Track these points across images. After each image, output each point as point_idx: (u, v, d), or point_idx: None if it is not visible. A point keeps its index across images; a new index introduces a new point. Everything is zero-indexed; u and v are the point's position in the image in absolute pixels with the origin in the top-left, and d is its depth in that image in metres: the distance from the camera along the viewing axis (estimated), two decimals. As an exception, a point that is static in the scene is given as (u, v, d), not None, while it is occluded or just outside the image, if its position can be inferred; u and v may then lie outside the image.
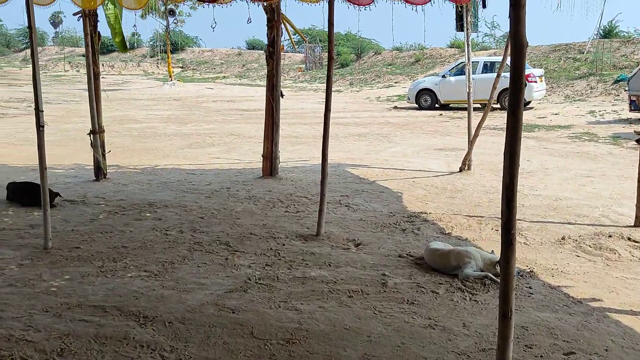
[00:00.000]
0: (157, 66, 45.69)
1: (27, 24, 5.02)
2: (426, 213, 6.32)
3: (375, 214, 6.30)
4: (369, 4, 6.02)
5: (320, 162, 5.56)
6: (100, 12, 7.80)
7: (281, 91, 8.16)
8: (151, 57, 49.15)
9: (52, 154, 10.28)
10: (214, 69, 45.56)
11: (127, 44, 8.92)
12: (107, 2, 7.51)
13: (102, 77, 28.06)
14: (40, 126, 4.96)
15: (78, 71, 42.10)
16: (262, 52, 52.98)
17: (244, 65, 45.03)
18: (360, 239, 5.35)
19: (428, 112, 18.43)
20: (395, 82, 29.95)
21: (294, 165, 9.29)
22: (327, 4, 5.44)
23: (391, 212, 6.34)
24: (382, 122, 15.84)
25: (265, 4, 7.76)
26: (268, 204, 6.67)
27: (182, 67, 46.40)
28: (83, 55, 8.03)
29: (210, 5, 7.07)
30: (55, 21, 69.93)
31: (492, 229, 5.74)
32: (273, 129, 8.14)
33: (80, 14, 7.50)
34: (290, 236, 5.40)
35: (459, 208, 6.59)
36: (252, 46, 55.60)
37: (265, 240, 5.28)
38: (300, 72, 39.30)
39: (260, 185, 7.74)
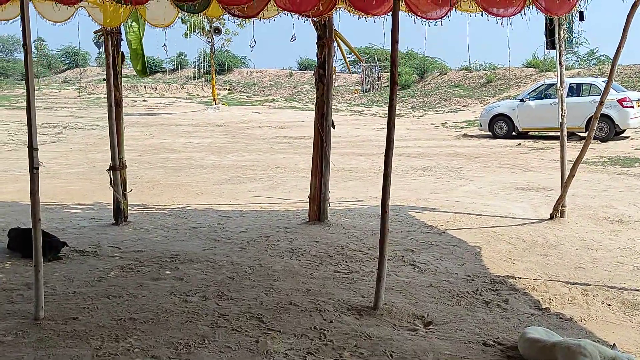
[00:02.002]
0: (202, 88, 46.21)
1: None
2: (514, 277, 5.43)
3: (449, 277, 5.45)
4: (441, 18, 5.28)
5: (380, 204, 4.77)
6: (122, 31, 7.38)
7: (332, 120, 7.47)
8: (196, 78, 49.85)
9: (74, 188, 9.96)
10: (263, 91, 45.73)
11: (147, 65, 8.45)
12: (130, 21, 7.07)
13: (144, 100, 28.60)
14: (34, 168, 4.40)
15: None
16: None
17: (294, 87, 45.02)
18: (431, 314, 4.51)
19: (504, 142, 17.42)
20: (464, 106, 29.00)
21: (347, 207, 8.54)
22: (390, 18, 4.72)
23: (469, 276, 5.48)
24: (449, 152, 14.95)
25: (314, 19, 7.13)
26: (314, 260, 5.93)
27: (228, 90, 46.82)
28: (103, 79, 7.58)
29: (250, 21, 6.50)
30: (99, 41, 72.45)
31: (602, 304, 4.80)
32: (322, 165, 7.44)
33: (101, 33, 7.07)
34: (341, 308, 4.62)
35: (555, 271, 5.66)
36: (304, 66, 55.76)
37: (308, 313, 4.51)
38: (356, 95, 38.84)
39: (306, 233, 7.02)
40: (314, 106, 7.73)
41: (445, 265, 5.80)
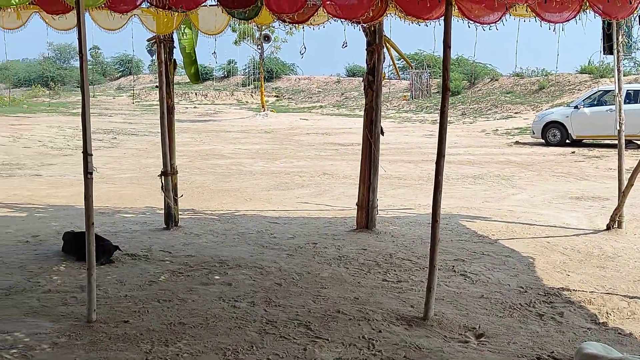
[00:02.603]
0: (252, 95, 46.68)
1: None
2: (569, 290, 5.26)
3: (501, 288, 5.31)
4: (495, 23, 5.17)
5: (429, 213, 4.69)
6: (174, 38, 7.50)
7: (381, 127, 7.41)
8: (245, 85, 50.42)
9: (126, 193, 10.16)
10: (311, 97, 45.89)
11: (200, 73, 8.57)
12: (183, 27, 7.18)
13: (195, 107, 29.06)
14: (88, 173, 4.49)
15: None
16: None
17: (342, 94, 45.02)
18: (483, 327, 4.40)
19: (557, 149, 17.00)
20: (515, 113, 28.46)
21: (395, 215, 8.45)
22: (441, 22, 4.65)
23: (522, 287, 5.33)
24: (501, 160, 14.67)
25: (364, 25, 7.10)
26: (362, 269, 5.87)
27: (277, 96, 47.17)
28: (155, 86, 7.71)
29: (300, 28, 6.51)
30: (152, 49, 74.26)
31: (665, 319, 4.60)
32: (370, 172, 7.38)
33: (154, 40, 7.20)
34: (389, 318, 4.55)
35: (612, 284, 5.46)
36: (352, 73, 55.73)
37: (357, 322, 4.46)
38: (405, 101, 38.58)
39: (354, 241, 6.97)
40: (361, 113, 7.70)
41: (497, 276, 5.66)
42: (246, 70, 52.93)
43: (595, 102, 17.58)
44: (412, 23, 6.55)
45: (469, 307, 4.83)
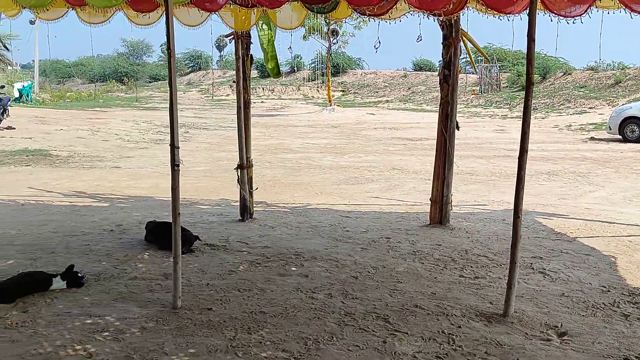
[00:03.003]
0: (318, 90, 46.92)
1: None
2: (656, 291, 5.08)
3: (582, 287, 5.19)
4: (580, 15, 5.04)
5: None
6: (252, 33, 7.64)
7: (457, 122, 7.33)
8: (311, 80, 50.72)
9: (201, 186, 10.43)
10: (377, 92, 45.73)
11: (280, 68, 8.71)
12: (261, 23, 7.31)
13: (262, 102, 29.53)
14: (175, 165, 4.66)
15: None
16: (430, 74, 52.32)
17: (409, 88, 44.67)
18: (565, 325, 4.32)
19: (635, 146, 16.36)
20: (590, 108, 27.52)
21: (469, 211, 8.35)
22: (522, 16, 4.57)
23: (604, 287, 5.19)
24: (576, 157, 14.24)
25: (442, 19, 7.04)
26: (437, 264, 5.85)
27: (342, 91, 47.22)
28: (233, 81, 7.87)
29: (376, 20, 6.51)
30: (220, 45, 75.70)
31: None
32: (445, 167, 7.32)
33: (232, 36, 7.36)
34: (468, 314, 4.53)
35: (702, 285, 5.24)
36: (419, 67, 55.19)
37: (435, 317, 4.46)
38: (473, 95, 37.93)
39: (428, 236, 6.94)
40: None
41: (578, 275, 5.53)
42: (312, 65, 53.23)
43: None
44: (489, 17, 6.46)
45: (549, 305, 4.74)
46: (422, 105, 37.33)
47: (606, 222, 7.62)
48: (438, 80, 7.44)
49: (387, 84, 48.17)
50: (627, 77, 30.95)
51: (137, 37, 72.58)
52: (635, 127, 17.28)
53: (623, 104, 25.89)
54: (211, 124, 23.99)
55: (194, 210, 8.34)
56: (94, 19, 6.92)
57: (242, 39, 7.34)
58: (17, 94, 31.45)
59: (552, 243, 6.66)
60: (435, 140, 7.50)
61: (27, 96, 31.69)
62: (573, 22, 5.06)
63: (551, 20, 5.14)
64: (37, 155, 14.29)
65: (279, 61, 8.51)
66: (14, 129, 18.35)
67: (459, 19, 6.99)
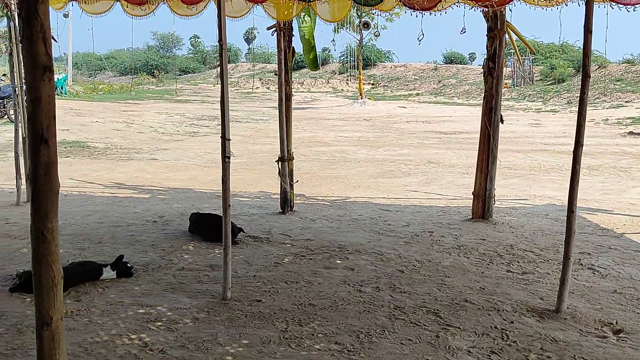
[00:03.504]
0: (347, 83, 46.86)
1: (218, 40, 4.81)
2: None
3: (634, 284, 5.10)
4: (637, 4, 4.93)
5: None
6: (293, 26, 7.64)
7: (501, 115, 7.25)
8: (341, 73, 50.62)
9: (238, 178, 10.48)
10: (407, 85, 45.51)
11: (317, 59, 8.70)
12: (303, 14, 7.30)
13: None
14: (226, 157, 4.68)
15: (268, 88, 44.76)
16: (461, 66, 51.89)
17: (439, 82, 44.35)
18: (620, 322, 4.25)
19: (677, 140, 16.01)
20: (626, 102, 27.00)
21: (510, 206, 8.26)
22: (583, 5, 4.49)
23: (657, 284, 5.10)
24: (616, 151, 13.99)
25: (486, 10, 6.96)
26: (483, 259, 5.80)
27: (372, 84, 47.09)
28: (275, 73, 7.89)
29: (421, 13, 6.46)
30: (249, 37, 76.00)
31: None
32: (489, 161, 7.25)
33: (274, 28, 7.37)
34: (520, 309, 4.48)
35: None
36: (449, 60, 54.81)
37: (486, 312, 4.42)
38: (506, 89, 37.47)
39: (471, 230, 6.88)
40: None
41: (628, 271, 5.44)
42: (342, 58, 53.09)
43: None
44: (535, 8, 6.37)
45: (602, 302, 4.67)
46: (454, 98, 37.05)
47: (654, 218, 7.47)
48: (482, 73, 7.34)
49: (417, 77, 47.89)
50: (665, 71, 30.27)
51: (166, 30, 73.13)
52: (677, 122, 16.89)
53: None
54: (243, 116, 24.10)
55: (234, 203, 8.36)
56: (137, 12, 7.00)
57: (285, 31, 7.34)
58: (52, 87, 31.96)
59: (600, 239, 6.55)
60: (479, 134, 7.42)
61: (62, 89, 32.17)
62: (634, 10, 4.95)
63: (612, 8, 5.03)
64: (75, 147, 14.52)
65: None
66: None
67: (504, 11, 6.90)
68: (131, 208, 7.87)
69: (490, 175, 7.26)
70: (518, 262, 5.72)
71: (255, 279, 5.15)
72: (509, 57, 44.15)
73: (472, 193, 7.46)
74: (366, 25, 30.85)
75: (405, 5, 5.69)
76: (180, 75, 61.38)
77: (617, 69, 34.06)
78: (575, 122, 4.49)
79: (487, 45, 7.17)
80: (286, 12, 7.05)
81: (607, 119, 22.29)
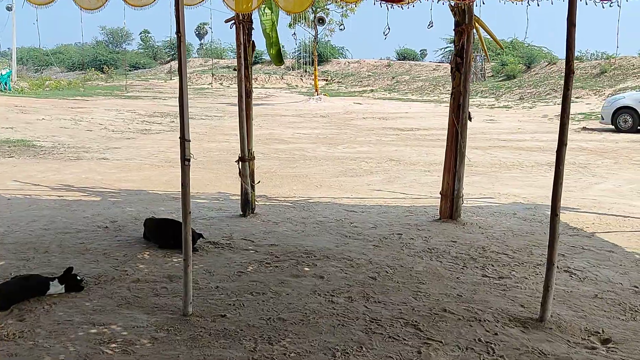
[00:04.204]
0: (301, 79, 46.52)
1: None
2: (691, 291, 4.83)
3: (614, 287, 4.92)
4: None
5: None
6: (254, 19, 7.24)
7: (469, 113, 7.02)
8: (295, 69, 50.18)
9: (195, 178, 9.87)
10: (361, 81, 45.43)
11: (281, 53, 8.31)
12: (263, 6, 6.91)
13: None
14: (185, 160, 4.27)
15: (221, 84, 44.02)
16: (414, 63, 52.07)
17: (393, 78, 44.43)
18: (607, 331, 4.04)
19: (629, 136, 16.23)
20: (577, 98, 27.40)
21: (476, 205, 8.07)
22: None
23: (636, 286, 4.93)
24: (573, 147, 13.99)
25: (452, 4, 6.71)
26: (456, 262, 5.54)
27: (326, 80, 46.82)
28: (228, 67, 7.48)
29: (393, 6, 6.14)
30: (201, 32, 74.66)
31: None
32: (457, 160, 7.02)
33: (233, 21, 6.95)
34: (502, 319, 4.22)
35: None
36: (402, 56, 55.02)
37: (467, 323, 4.15)
38: (458, 85, 37.70)
39: (440, 232, 6.64)
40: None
41: (605, 274, 5.26)
42: (295, 54, 52.65)
43: (671, 87, 16.70)
44: (508, 3, 6.14)
45: (584, 309, 4.46)
46: (408, 94, 37.13)
47: (621, 216, 7.38)
48: (450, 69, 7.10)
49: (370, 74, 47.88)
50: (613, 67, 30.96)
51: (116, 25, 71.32)
52: (628, 117, 17.16)
53: (610, 94, 25.87)
54: (196, 113, 23.45)
55: (192, 205, 7.91)
56: (86, 3, 6.47)
57: (244, 24, 6.94)
58: (-6, 83, 30.66)
59: (571, 239, 6.39)
60: (437, 131, 7.18)
61: (6, 85, 30.83)
62: (610, 6, 4.75)
63: (592, 4, 4.79)
64: (19, 145, 13.74)
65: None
66: (-7, 118, 17.73)
67: (472, 5, 6.66)
68: (80, 212, 7.33)
69: (458, 175, 7.03)
70: (492, 265, 5.48)
71: (218, 291, 4.75)
72: (475, 53, 44.56)
73: (440, 193, 7.22)
74: (321, 21, 30.50)
75: (375, -2, 5.35)
76: (130, 70, 59.84)
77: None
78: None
79: (454, 40, 6.94)
80: (245, 6, 6.64)
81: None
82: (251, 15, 6.95)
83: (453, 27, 6.89)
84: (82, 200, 8.14)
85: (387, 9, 6.38)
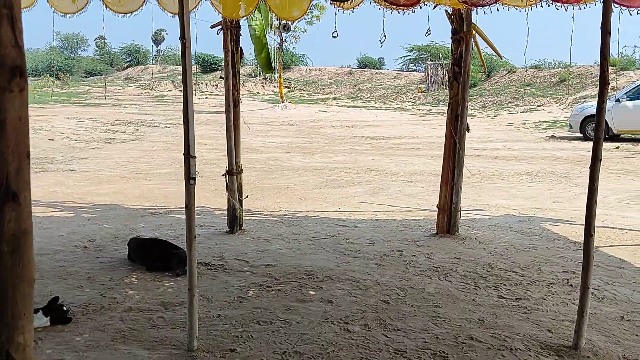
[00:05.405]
0: (263, 86, 45.95)
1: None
2: None
3: (636, 307, 4.69)
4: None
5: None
6: (242, 23, 6.84)
7: (467, 124, 6.76)
8: (255, 76, 49.60)
9: (170, 191, 9.51)
10: (323, 89, 45.16)
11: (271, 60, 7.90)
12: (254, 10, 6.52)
13: (206, 98, 28.11)
14: (191, 178, 3.85)
15: (181, 91, 43.12)
16: (375, 71, 52.14)
17: (355, 85, 44.32)
18: (646, 359, 3.78)
19: (598, 144, 16.31)
20: (538, 106, 27.78)
21: (469, 217, 7.81)
22: (600, 5, 4.01)
23: (659, 306, 4.71)
24: (547, 156, 14.02)
25: (449, 11, 6.46)
26: (466, 282, 5.24)
27: (288, 87, 46.37)
28: (220, 77, 7.06)
29: (386, 11, 5.84)
30: (157, 39, 73.37)
31: None
32: (454, 172, 6.75)
33: (220, 27, 6.54)
34: (533, 347, 3.93)
35: None
36: (363, 64, 55.06)
37: (499, 353, 3.83)
38: (420, 94, 37.88)
39: (441, 247, 6.34)
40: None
41: (623, 292, 5.04)
42: (255, 61, 52.08)
43: (638, 96, 16.91)
44: (509, 9, 5.94)
45: (615, 333, 4.21)
46: (371, 102, 37.04)
47: (618, 228, 7.22)
48: (447, 78, 6.83)
49: (332, 81, 47.67)
50: (572, 76, 31.47)
51: (70, 30, 69.52)
52: (596, 126, 17.26)
53: (572, 103, 26.25)
54: (160, 121, 22.80)
55: (172, 221, 7.47)
56: (68, 9, 6.00)
57: (232, 30, 6.53)
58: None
59: (575, 254, 6.16)
60: (444, 143, 6.92)
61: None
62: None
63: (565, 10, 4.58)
64: (-24, 156, 12.92)
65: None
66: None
67: (471, 13, 6.42)
68: (54, 231, 6.78)
69: (457, 188, 6.76)
70: (504, 285, 5.20)
71: (221, 320, 4.33)
72: (421, 63, 44.97)
73: (437, 206, 6.94)
74: (286, 28, 30.14)
75: (386, 2, 5.03)
76: (86, 77, 58.29)
77: (526, 74, 35.13)
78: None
79: (452, 49, 6.67)
80: (235, 13, 6.25)
81: (524, 123, 22.72)
82: (239, 20, 6.55)
83: (450, 36, 6.62)
84: (54, 216, 7.56)
85: (385, 14, 6.09)
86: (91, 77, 57.46)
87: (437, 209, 6.95)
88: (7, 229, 1.17)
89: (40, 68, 56.51)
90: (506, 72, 37.69)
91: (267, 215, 7.91)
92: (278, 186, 10.04)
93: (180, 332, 4.06)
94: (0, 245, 1.17)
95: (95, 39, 73.98)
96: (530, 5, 5.14)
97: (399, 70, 51.53)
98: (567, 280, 5.33)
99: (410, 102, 35.75)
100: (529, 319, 4.43)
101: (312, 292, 4.93)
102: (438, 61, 41.48)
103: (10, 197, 1.17)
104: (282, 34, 31.30)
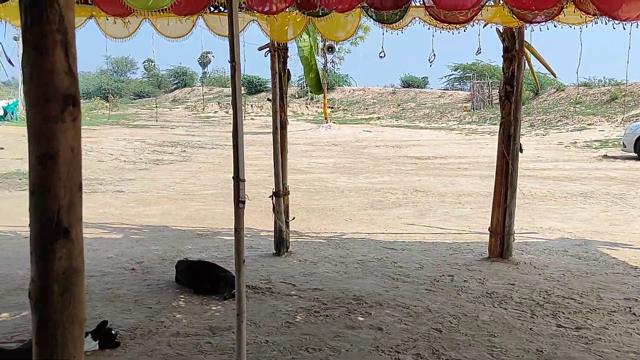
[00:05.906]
0: (307, 107, 46.20)
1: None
2: None
3: None
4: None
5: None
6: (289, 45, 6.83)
7: (520, 144, 6.56)
8: (299, 97, 49.93)
9: (217, 212, 9.51)
10: (366, 109, 45.12)
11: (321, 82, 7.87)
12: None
13: (252, 119, 28.23)
14: (240, 202, 3.79)
15: (227, 112, 43.66)
16: (419, 90, 51.88)
17: (399, 105, 44.15)
18: None
19: (655, 164, 15.76)
20: (589, 124, 27.06)
21: (522, 241, 7.55)
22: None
23: None
24: (601, 176, 13.56)
25: (501, 29, 6.31)
26: (522, 310, 5.03)
27: (332, 108, 46.48)
28: (268, 99, 7.04)
29: (436, 31, 5.73)
30: (204, 61, 74.77)
31: None
32: (507, 194, 6.54)
33: (267, 49, 6.54)
34: (599, 382, 3.71)
35: None
36: (407, 84, 54.85)
37: (562, 386, 3.63)
38: (465, 112, 37.44)
39: (494, 273, 6.13)
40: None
41: (691, 322, 4.75)
42: (300, 82, 52.49)
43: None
44: (564, 27, 5.75)
45: (687, 367, 3.95)
46: (415, 121, 36.76)
47: (682, 253, 6.87)
48: (498, 97, 6.66)
49: (376, 101, 47.61)
50: (623, 93, 30.61)
51: (120, 54, 71.47)
52: (652, 145, 16.70)
53: (623, 121, 25.49)
54: (207, 142, 23.06)
55: (219, 243, 7.45)
56: (114, 31, 6.08)
57: (279, 52, 6.52)
58: (1, 112, 30.33)
59: (637, 280, 5.88)
60: (495, 163, 6.73)
61: (12, 114, 30.52)
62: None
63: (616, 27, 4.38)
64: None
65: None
66: (3, 148, 17.28)
67: (523, 30, 6.26)
68: (103, 252, 6.83)
69: (509, 210, 6.55)
70: (563, 313, 4.97)
71: (269, 347, 4.24)
72: (469, 81, 44.51)
73: (489, 229, 6.73)
74: (330, 49, 30.27)
75: (438, 20, 4.93)
76: (134, 99, 59.71)
77: (575, 92, 34.36)
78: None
79: (503, 67, 6.51)
80: (283, 36, 6.24)
81: (575, 142, 22.12)
82: (287, 42, 6.54)
83: (502, 54, 6.46)
84: (102, 238, 7.63)
85: (434, 33, 5.97)
86: (139, 100, 58.81)
87: (489, 232, 6.74)
88: (58, 267, 1.11)
89: (91, 91, 58.16)
90: (555, 90, 36.95)
91: (313, 237, 7.83)
92: (324, 207, 9.95)
93: (228, 358, 3.99)
94: (50, 285, 1.11)
95: (144, 62, 75.88)
96: (587, 22, 4.96)
97: (444, 89, 51.14)
98: (630, 308, 5.06)
99: (455, 121, 35.32)
100: (590, 350, 4.21)
101: (361, 319, 4.81)
102: (484, 80, 41.00)
103: (62, 234, 1.11)
104: (327, 55, 31.43)
